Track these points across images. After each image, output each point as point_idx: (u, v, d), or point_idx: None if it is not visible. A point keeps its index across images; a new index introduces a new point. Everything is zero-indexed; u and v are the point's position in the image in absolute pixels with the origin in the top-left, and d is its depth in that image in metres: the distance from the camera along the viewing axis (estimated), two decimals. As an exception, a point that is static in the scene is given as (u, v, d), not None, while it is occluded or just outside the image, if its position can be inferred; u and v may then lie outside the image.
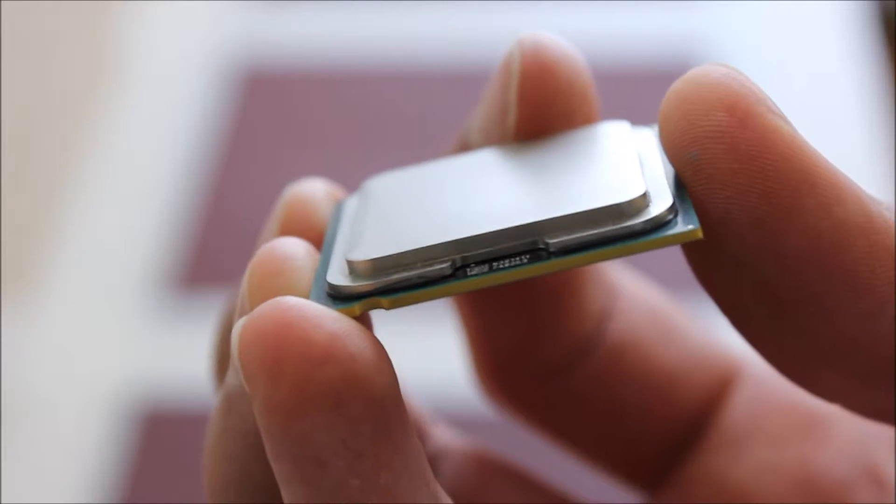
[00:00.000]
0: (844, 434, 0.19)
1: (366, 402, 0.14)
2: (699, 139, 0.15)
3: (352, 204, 0.18)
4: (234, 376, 0.16)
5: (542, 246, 0.15)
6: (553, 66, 0.17)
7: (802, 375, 0.16)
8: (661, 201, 0.15)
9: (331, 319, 0.14)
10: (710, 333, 0.20)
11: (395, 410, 0.15)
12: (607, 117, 0.56)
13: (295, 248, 0.16)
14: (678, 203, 0.16)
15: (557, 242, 0.15)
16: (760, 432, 0.19)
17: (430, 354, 0.44)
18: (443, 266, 0.15)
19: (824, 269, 0.15)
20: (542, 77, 0.17)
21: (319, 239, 0.17)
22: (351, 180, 0.54)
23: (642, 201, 0.15)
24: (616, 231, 0.15)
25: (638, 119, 0.56)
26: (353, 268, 0.16)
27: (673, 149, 0.16)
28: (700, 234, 0.15)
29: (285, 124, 0.58)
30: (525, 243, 0.16)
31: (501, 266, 0.15)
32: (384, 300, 0.15)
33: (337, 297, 0.15)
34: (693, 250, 0.16)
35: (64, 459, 0.47)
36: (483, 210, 0.16)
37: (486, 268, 0.15)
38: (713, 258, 0.16)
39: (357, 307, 0.15)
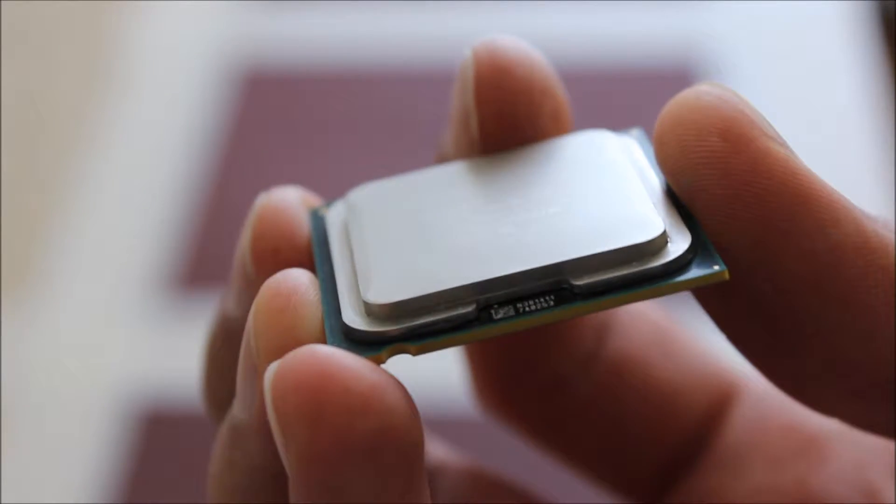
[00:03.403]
0: (842, 455, 0.18)
1: (400, 455, 0.14)
2: (693, 166, 0.15)
3: (337, 217, 0.17)
4: (241, 411, 0.16)
5: (565, 286, 0.15)
6: (508, 66, 0.17)
7: (800, 392, 0.16)
8: (681, 238, 0.15)
9: (369, 370, 0.14)
10: (710, 350, 0.20)
11: (421, 463, 0.14)
12: (608, 118, 0.56)
13: (299, 281, 0.15)
14: (695, 239, 0.15)
15: (584, 285, 0.15)
16: (759, 452, 0.19)
17: (424, 358, 0.44)
18: (468, 310, 0.15)
19: (821, 290, 0.15)
20: (498, 78, 0.17)
21: (295, 249, 0.17)
22: (351, 180, 0.54)
23: (663, 240, 0.15)
24: (642, 272, 0.15)
25: (638, 120, 0.56)
26: (371, 309, 0.15)
27: (669, 174, 0.16)
28: (727, 276, 0.15)
29: (285, 124, 0.58)
30: (549, 283, 0.15)
31: (528, 309, 0.15)
32: (411, 346, 0.15)
33: (357, 340, 0.15)
34: None
35: (64, 459, 0.47)
36: (499, 244, 0.16)
37: (511, 310, 0.15)
38: None
39: (384, 354, 0.15)
